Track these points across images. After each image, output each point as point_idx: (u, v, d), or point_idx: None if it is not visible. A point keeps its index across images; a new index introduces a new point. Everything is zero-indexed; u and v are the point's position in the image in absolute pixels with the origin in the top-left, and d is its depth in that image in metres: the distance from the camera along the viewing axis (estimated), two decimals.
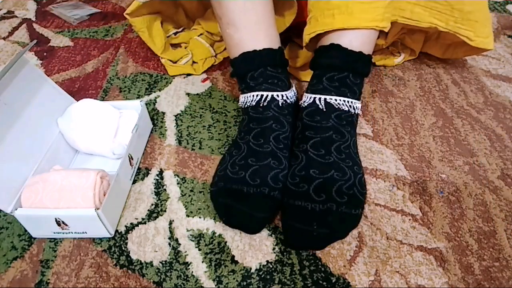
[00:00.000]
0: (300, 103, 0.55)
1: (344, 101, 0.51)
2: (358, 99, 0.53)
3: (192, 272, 0.45)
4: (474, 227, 0.48)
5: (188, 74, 0.77)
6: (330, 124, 0.50)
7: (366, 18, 0.52)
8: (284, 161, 0.50)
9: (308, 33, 0.56)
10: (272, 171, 0.49)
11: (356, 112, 0.53)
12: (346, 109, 0.52)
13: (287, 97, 0.55)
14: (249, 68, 0.55)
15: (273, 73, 0.55)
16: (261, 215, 0.47)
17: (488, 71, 0.74)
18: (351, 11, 0.51)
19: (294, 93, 0.57)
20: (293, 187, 0.48)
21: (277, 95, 0.54)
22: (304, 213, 0.45)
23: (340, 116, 0.51)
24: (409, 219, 0.49)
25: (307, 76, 0.73)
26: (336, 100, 0.51)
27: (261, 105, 0.53)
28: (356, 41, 0.52)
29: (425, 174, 0.55)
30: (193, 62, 0.79)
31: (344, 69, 0.52)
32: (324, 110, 0.51)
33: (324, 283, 0.43)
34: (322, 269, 0.44)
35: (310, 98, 0.53)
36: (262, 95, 0.54)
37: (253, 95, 0.54)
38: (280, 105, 0.54)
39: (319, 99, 0.52)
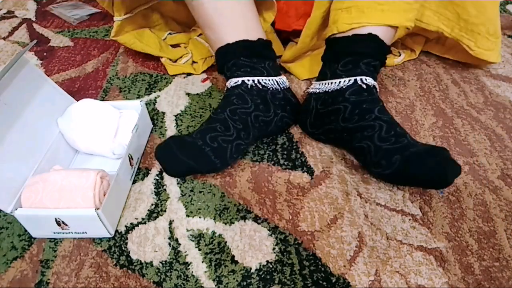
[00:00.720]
0: (329, 88, 0.56)
1: (376, 85, 0.55)
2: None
3: (192, 272, 0.45)
4: (474, 227, 0.48)
5: (188, 74, 0.77)
6: (376, 98, 0.54)
7: (406, 17, 0.56)
8: (232, 130, 0.53)
9: (349, 22, 0.57)
10: (213, 132, 0.52)
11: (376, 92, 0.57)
12: (377, 92, 0.55)
13: (258, 81, 0.56)
14: (225, 61, 0.58)
15: (245, 63, 0.57)
16: (186, 160, 0.51)
17: (488, 71, 0.74)
18: (396, 8, 0.55)
19: (277, 82, 0.58)
20: (396, 144, 0.49)
21: (248, 80, 0.56)
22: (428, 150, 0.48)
23: (373, 96, 0.54)
24: (409, 219, 0.49)
25: (304, 73, 0.74)
26: (373, 82, 0.55)
27: (230, 87, 0.57)
28: (389, 35, 0.56)
29: None
30: (193, 61, 0.79)
31: (376, 58, 0.55)
32: (368, 89, 0.54)
33: (324, 283, 0.43)
34: (322, 269, 0.44)
35: (349, 80, 0.54)
36: (234, 81, 0.57)
37: (228, 82, 0.58)
38: (249, 86, 0.56)
39: (361, 79, 0.54)
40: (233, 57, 0.57)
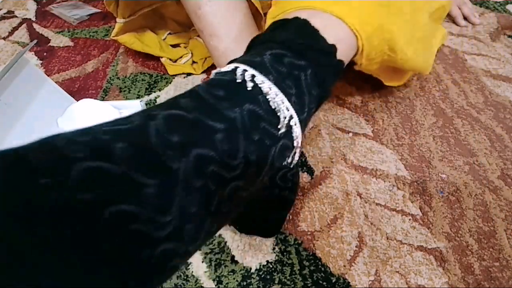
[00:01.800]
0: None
1: (282, 102, 0.29)
2: (302, 127, 0.31)
3: (192, 272, 0.45)
4: (474, 227, 0.48)
5: (188, 74, 0.77)
6: (232, 116, 0.26)
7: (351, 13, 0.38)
8: None
9: (272, 16, 0.41)
10: None
11: (286, 141, 0.30)
12: (277, 118, 0.29)
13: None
14: None
15: None
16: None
17: (488, 71, 0.74)
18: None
19: None
20: None
21: None
22: None
23: (256, 118, 0.27)
24: (409, 219, 0.49)
25: None
26: (271, 89, 0.28)
27: None
28: (332, 30, 0.35)
29: (425, 174, 0.55)
30: (193, 62, 0.79)
31: (303, 55, 0.32)
32: (245, 89, 0.28)
33: (324, 283, 0.43)
34: (322, 269, 0.44)
35: (229, 67, 0.30)
36: None
37: None
38: None
39: (244, 71, 0.29)
40: None
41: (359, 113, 0.65)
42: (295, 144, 0.31)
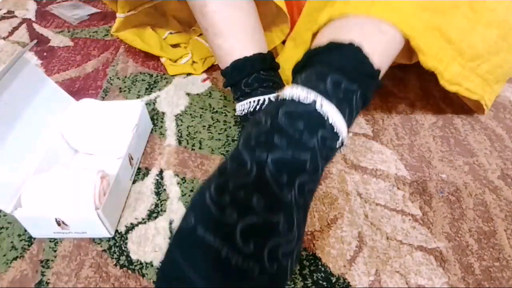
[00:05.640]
0: (280, 96, 0.38)
1: (341, 123, 0.36)
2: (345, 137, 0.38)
3: None
4: (474, 227, 0.48)
5: (188, 74, 0.77)
6: (312, 144, 0.34)
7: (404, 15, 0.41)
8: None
9: (323, 21, 0.44)
10: None
11: (336, 148, 0.37)
12: (336, 137, 0.36)
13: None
14: (243, 75, 0.55)
15: (266, 77, 0.54)
16: None
17: None
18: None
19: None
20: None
21: (273, 97, 0.53)
22: None
23: (325, 140, 0.35)
24: (409, 219, 0.49)
25: None
26: (335, 114, 0.36)
27: (258, 109, 0.53)
28: (378, 49, 0.40)
29: (425, 174, 0.55)
30: (193, 62, 0.79)
31: (355, 80, 0.38)
32: (317, 118, 0.35)
33: (324, 283, 0.43)
34: (322, 269, 0.44)
35: (309, 93, 0.35)
36: (259, 100, 0.53)
37: (250, 102, 0.54)
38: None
39: (320, 101, 0.35)
40: (253, 71, 0.54)
41: (359, 113, 0.65)
42: (344, 145, 0.39)
